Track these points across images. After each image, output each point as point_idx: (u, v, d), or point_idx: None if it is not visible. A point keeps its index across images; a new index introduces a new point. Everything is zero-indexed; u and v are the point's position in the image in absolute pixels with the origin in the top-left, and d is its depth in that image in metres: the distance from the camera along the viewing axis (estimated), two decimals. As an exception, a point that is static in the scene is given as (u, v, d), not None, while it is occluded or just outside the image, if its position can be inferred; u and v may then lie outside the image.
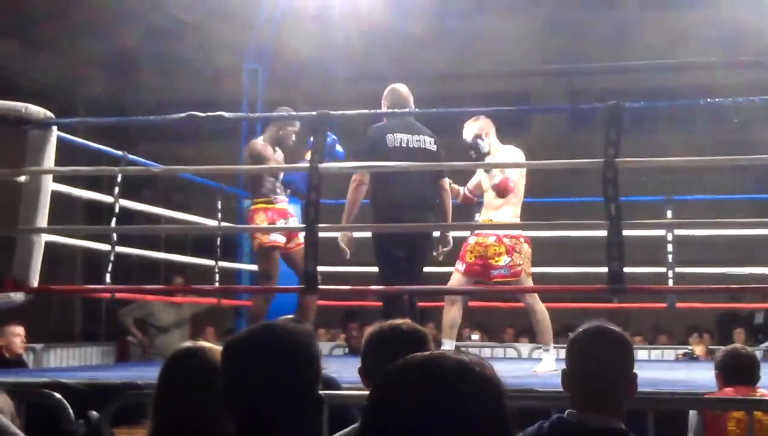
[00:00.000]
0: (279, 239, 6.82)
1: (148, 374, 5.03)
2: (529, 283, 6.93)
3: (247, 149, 6.99)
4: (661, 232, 8.03)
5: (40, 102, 6.02)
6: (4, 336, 8.25)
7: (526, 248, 6.88)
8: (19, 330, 8.35)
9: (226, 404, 2.11)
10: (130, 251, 7.50)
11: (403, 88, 6.66)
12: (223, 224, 8.53)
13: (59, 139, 5.94)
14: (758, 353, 6.44)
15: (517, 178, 6.85)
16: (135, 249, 7.77)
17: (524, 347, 11.42)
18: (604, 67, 16.85)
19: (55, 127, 5.88)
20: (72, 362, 10.73)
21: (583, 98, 15.64)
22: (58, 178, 6.15)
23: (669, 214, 8.29)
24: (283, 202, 6.99)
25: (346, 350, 11.32)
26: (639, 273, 7.50)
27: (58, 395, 4.37)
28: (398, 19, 13.60)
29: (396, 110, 6.46)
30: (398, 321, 3.11)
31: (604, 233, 4.88)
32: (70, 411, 4.30)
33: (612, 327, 2.93)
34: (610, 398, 2.80)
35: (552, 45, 16.72)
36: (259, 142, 6.92)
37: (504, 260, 6.79)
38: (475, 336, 12.70)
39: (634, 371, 2.85)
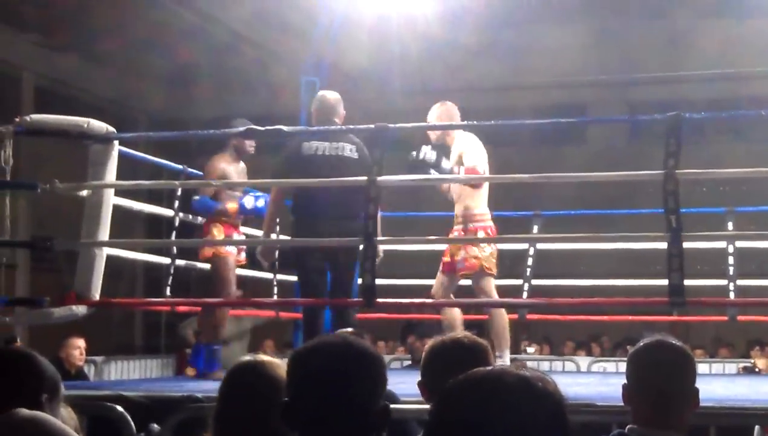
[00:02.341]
0: (232, 249, 7.02)
1: (208, 387, 5.06)
2: (489, 281, 6.78)
3: (208, 166, 7.15)
4: (722, 244, 7.94)
5: (101, 116, 6.11)
6: (66, 349, 8.35)
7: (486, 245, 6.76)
8: (80, 343, 8.45)
9: (289, 416, 2.11)
10: (190, 263, 7.55)
11: (331, 95, 6.70)
12: (282, 236, 8.56)
13: (120, 153, 6.01)
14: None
15: (479, 163, 6.71)
16: (194, 262, 7.83)
17: (583, 360, 11.33)
18: (659, 78, 16.71)
19: (116, 142, 5.95)
20: (132, 375, 10.82)
21: (640, 109, 15.51)
22: (119, 192, 6.23)
23: (730, 225, 8.20)
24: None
25: (404, 363, 11.30)
26: (700, 286, 7.42)
27: (120, 408, 4.40)
28: (454, 30, 13.60)
29: (462, 123, 6.42)
30: (459, 334, 3.11)
31: (664, 245, 4.84)
32: (132, 424, 4.33)
33: (673, 341, 2.91)
34: (671, 412, 2.77)
35: (607, 55, 16.61)
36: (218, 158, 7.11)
37: (461, 253, 6.75)
38: (531, 349, 12.64)
39: (696, 385, 2.83)
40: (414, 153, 6.58)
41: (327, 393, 2.08)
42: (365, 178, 5.41)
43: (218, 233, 7.02)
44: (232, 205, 7.00)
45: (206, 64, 15.43)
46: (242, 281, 9.36)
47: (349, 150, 6.40)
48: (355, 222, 6.27)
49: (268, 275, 8.40)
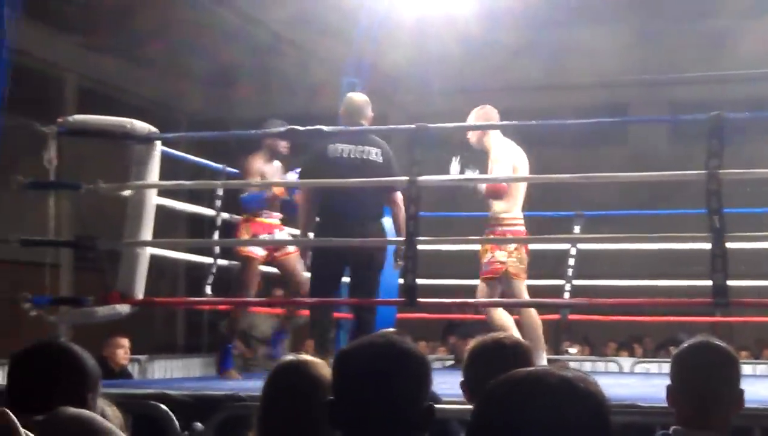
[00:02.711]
0: (256, 251, 7.05)
1: (250, 386, 5.09)
2: (517, 285, 6.74)
3: (245, 166, 7.26)
4: (765, 244, 7.86)
5: (143, 117, 6.16)
6: (111, 348, 8.42)
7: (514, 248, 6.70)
8: (124, 342, 8.51)
9: (334, 415, 2.12)
10: (232, 263, 7.60)
11: (358, 97, 6.70)
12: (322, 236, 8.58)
13: (161, 154, 6.06)
14: None
15: (508, 173, 6.65)
16: (236, 261, 7.87)
17: (626, 361, 11.27)
18: (701, 77, 16.58)
19: (158, 142, 6.00)
20: (175, 374, 10.88)
21: (681, 110, 15.40)
22: (162, 192, 6.27)
23: (773, 226, 8.12)
24: (271, 217, 7.18)
25: (446, 363, 11.28)
26: (743, 286, 7.35)
27: (164, 407, 4.43)
28: (493, 30, 13.56)
29: (500, 123, 6.42)
30: (501, 335, 3.12)
31: (706, 245, 4.81)
32: (176, 423, 4.37)
33: (718, 342, 2.89)
34: (716, 414, 2.76)
35: (648, 55, 16.52)
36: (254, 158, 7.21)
37: (487, 256, 6.72)
38: (573, 350, 12.58)
39: (741, 386, 2.81)
40: (456, 167, 6.61)
41: (370, 393, 2.08)
42: (405, 178, 5.43)
43: (246, 232, 7.07)
44: (277, 189, 7.07)
45: (246, 65, 15.48)
46: (281, 280, 9.40)
47: (374, 154, 6.38)
48: (377, 223, 6.31)
49: (307, 275, 8.42)
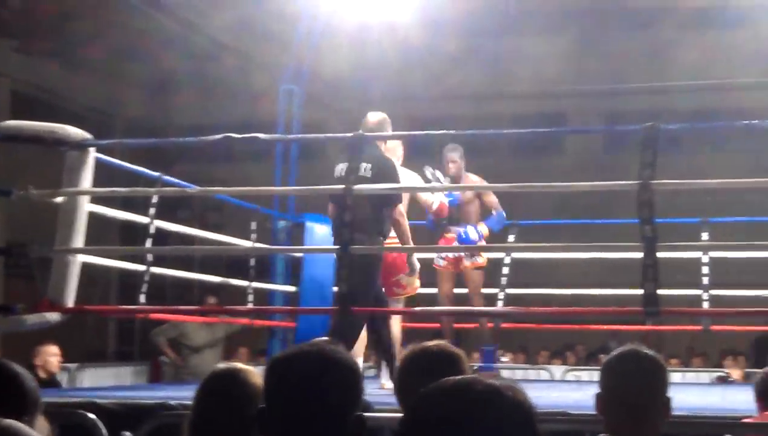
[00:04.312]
0: (439, 262, 7.64)
1: (181, 395, 5.04)
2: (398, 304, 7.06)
3: None
4: (697, 254, 7.97)
5: (80, 123, 6.08)
6: (40, 356, 8.30)
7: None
8: (54, 350, 8.40)
9: (264, 424, 2.10)
10: (165, 271, 7.53)
11: (372, 117, 6.67)
12: (258, 244, 8.54)
13: (96, 161, 5.98)
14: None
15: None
16: (169, 270, 7.79)
17: (557, 369, 11.35)
18: (641, 88, 16.79)
19: (92, 149, 5.92)
20: (105, 382, 10.76)
21: (621, 120, 15.59)
22: (95, 199, 6.20)
23: (705, 236, 8.23)
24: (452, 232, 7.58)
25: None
26: (674, 295, 7.44)
27: (92, 416, 4.37)
28: (434, 38, 13.64)
29: (441, 132, 6.43)
30: (431, 343, 3.10)
31: (639, 254, 4.85)
32: (104, 432, 4.31)
33: (646, 350, 2.92)
34: (644, 422, 2.78)
35: (588, 66, 16.69)
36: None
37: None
38: (505, 358, 12.65)
39: (668, 394, 2.83)
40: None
41: (301, 401, 2.07)
42: (341, 187, 5.42)
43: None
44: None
45: (187, 71, 15.40)
46: (216, 288, 9.33)
47: (363, 169, 6.28)
48: (377, 238, 6.33)
49: (243, 283, 8.39)
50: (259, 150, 13.25)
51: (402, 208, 6.51)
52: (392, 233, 6.49)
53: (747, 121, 5.63)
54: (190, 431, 2.69)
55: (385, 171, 6.31)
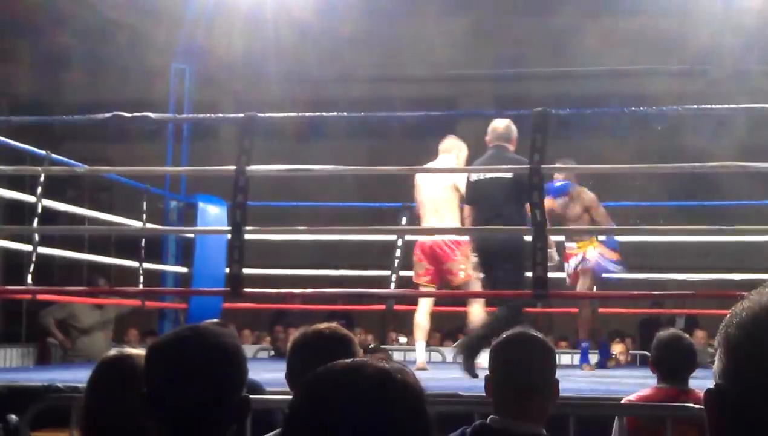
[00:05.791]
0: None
1: (69, 377, 4.97)
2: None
3: None
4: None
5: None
6: None
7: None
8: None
9: (151, 407, 2.08)
10: (53, 251, 7.38)
11: (499, 123, 6.94)
12: (148, 225, 8.44)
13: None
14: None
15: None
16: (57, 250, 7.65)
17: (449, 351, 11.45)
18: (540, 73, 16.99)
19: (-25, 126, 5.78)
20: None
21: (519, 105, 15.75)
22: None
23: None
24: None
25: (271, 352, 11.26)
26: (562, 278, 7.58)
27: (-25, 399, 4.28)
28: (329, 20, 13.56)
29: (332, 115, 6.44)
30: (322, 326, 3.10)
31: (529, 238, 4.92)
32: (-12, 415, 4.22)
33: (534, 333, 2.96)
34: (532, 404, 2.82)
35: (484, 51, 16.82)
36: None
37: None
38: (403, 339, 12.73)
39: (557, 376, 2.88)
40: None
41: (182, 385, 2.05)
42: (233, 167, 5.39)
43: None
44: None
45: (77, 48, 15.09)
46: (106, 269, 9.17)
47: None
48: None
49: (134, 264, 8.28)
50: (151, 130, 13.08)
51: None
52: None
53: (634, 109, 5.75)
54: (83, 418, 2.66)
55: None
